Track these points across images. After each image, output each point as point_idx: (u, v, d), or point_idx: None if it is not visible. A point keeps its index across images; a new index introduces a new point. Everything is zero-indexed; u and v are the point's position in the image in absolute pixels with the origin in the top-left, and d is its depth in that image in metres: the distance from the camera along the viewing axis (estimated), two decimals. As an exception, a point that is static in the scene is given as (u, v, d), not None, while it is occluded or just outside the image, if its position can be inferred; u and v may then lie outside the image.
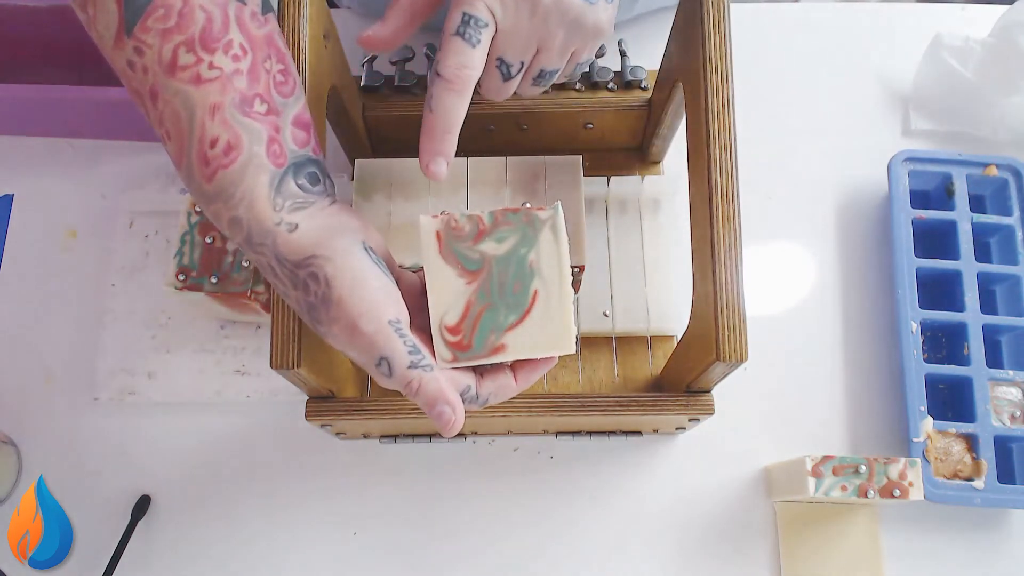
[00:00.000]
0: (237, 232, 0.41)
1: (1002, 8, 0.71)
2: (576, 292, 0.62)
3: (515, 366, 0.44)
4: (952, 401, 0.65)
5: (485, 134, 0.66)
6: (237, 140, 0.40)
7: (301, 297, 0.41)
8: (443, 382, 0.39)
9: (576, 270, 0.57)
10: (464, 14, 0.43)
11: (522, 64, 0.47)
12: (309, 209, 0.41)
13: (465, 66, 0.43)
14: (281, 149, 0.41)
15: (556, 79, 0.51)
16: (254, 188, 0.40)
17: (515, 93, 0.50)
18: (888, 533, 0.62)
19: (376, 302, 0.39)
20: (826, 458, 0.56)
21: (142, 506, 0.63)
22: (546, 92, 0.64)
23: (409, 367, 0.39)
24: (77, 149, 0.74)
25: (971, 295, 0.66)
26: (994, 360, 0.65)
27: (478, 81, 0.45)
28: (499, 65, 0.46)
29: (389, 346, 0.39)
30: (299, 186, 0.41)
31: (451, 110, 0.43)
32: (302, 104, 0.43)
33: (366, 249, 0.41)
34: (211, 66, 0.39)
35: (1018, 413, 0.63)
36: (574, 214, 0.57)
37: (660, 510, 0.63)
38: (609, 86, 0.65)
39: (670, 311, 0.64)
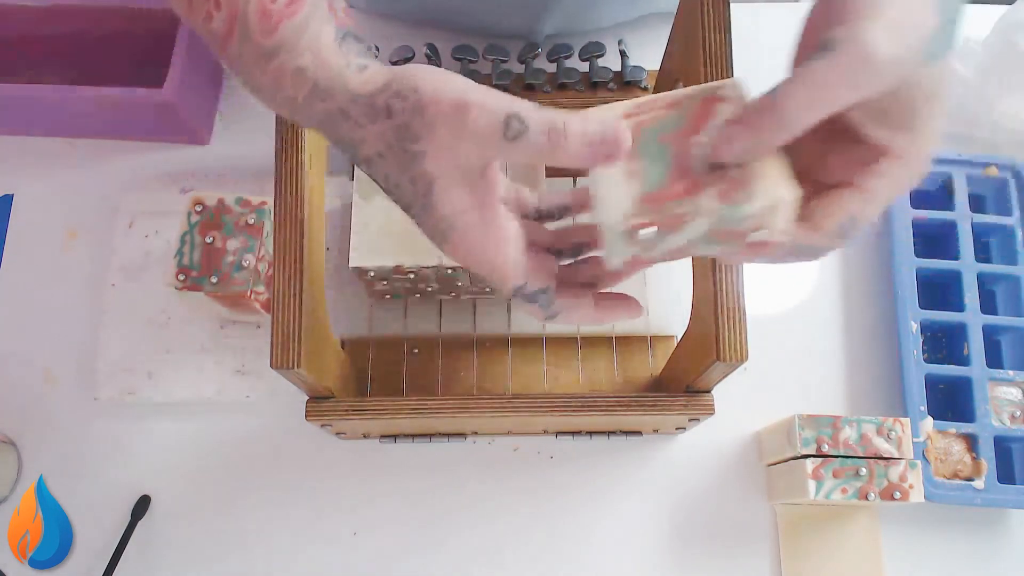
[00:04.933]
0: (301, 84, 0.40)
1: (1002, 8, 0.71)
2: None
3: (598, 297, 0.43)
4: (952, 401, 0.65)
5: (485, 134, 0.66)
6: None
7: (385, 127, 0.38)
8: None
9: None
10: None
11: None
12: (375, 60, 0.40)
13: None
14: (337, 16, 0.41)
15: None
16: (320, 36, 0.39)
17: None
18: (888, 533, 0.62)
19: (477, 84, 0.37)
20: (826, 460, 0.56)
21: (142, 506, 0.63)
22: (547, 92, 0.65)
23: (539, 109, 0.35)
24: (77, 149, 0.74)
25: (971, 295, 0.66)
26: (994, 360, 0.65)
27: None
28: None
29: (510, 101, 0.35)
30: (361, 44, 0.41)
31: None
32: None
33: None
34: None
35: (1018, 413, 0.63)
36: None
37: (660, 510, 0.63)
38: (609, 86, 0.65)
39: (670, 311, 0.64)
